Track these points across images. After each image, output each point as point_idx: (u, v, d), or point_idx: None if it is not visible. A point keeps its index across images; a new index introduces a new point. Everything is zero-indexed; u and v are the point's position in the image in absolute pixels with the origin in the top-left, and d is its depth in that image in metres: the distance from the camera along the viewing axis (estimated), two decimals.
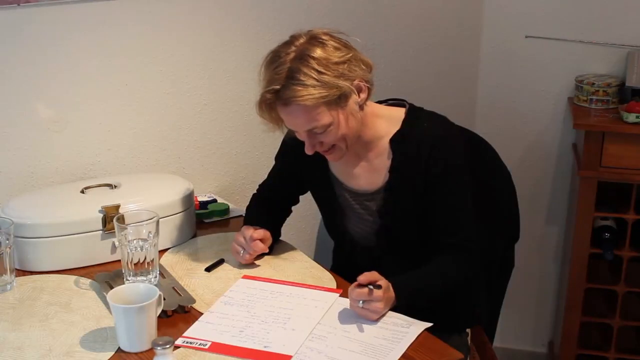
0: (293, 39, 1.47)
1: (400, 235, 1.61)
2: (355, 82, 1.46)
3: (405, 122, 1.58)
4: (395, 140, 1.57)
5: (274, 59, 1.45)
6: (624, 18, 2.26)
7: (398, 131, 1.57)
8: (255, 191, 1.80)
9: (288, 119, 1.48)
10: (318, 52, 1.43)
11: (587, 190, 2.16)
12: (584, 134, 2.15)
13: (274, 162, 1.75)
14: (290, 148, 1.66)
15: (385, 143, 1.58)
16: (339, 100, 1.45)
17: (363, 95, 1.49)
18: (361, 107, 1.51)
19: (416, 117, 1.58)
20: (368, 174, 1.61)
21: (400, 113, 1.59)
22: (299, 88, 1.40)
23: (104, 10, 1.78)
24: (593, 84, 2.22)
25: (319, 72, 1.41)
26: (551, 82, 2.38)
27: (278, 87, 1.42)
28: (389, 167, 1.57)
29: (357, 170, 1.61)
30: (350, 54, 1.46)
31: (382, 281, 1.40)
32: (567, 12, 2.32)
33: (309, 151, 1.51)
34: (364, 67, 1.48)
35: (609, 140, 2.11)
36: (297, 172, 1.66)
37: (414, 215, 1.58)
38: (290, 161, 1.68)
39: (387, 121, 1.58)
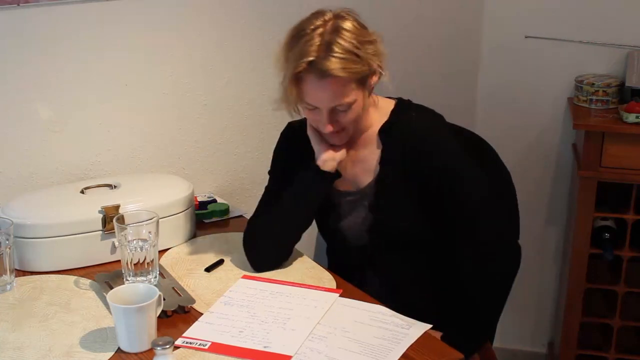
0: (318, 14, 1.46)
1: (394, 231, 1.60)
2: (377, 62, 1.47)
3: (393, 112, 1.58)
4: (384, 131, 1.57)
5: (301, 33, 1.44)
6: (624, 18, 2.26)
7: (387, 121, 1.57)
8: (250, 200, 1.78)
9: (317, 93, 1.45)
10: (350, 26, 1.43)
11: (587, 191, 2.16)
12: (583, 134, 2.15)
13: (270, 163, 1.73)
14: (285, 146, 1.65)
15: (373, 133, 1.58)
16: (366, 78, 1.45)
17: (376, 79, 1.50)
18: (370, 92, 1.51)
19: (404, 108, 1.59)
20: (356, 165, 1.60)
21: (389, 104, 1.60)
22: (336, 59, 1.39)
23: (104, 10, 1.78)
24: (593, 84, 2.22)
25: (356, 46, 1.41)
26: (551, 82, 2.38)
27: (313, 58, 1.40)
28: (379, 159, 1.57)
29: (345, 160, 1.60)
30: (376, 36, 1.47)
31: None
32: (567, 12, 2.32)
33: (328, 129, 1.49)
34: (382, 51, 1.48)
35: (609, 141, 2.11)
36: (290, 168, 1.64)
37: (407, 210, 1.57)
38: (286, 159, 1.67)
39: (377, 111, 1.59)
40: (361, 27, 1.46)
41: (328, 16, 1.45)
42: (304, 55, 1.41)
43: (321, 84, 1.43)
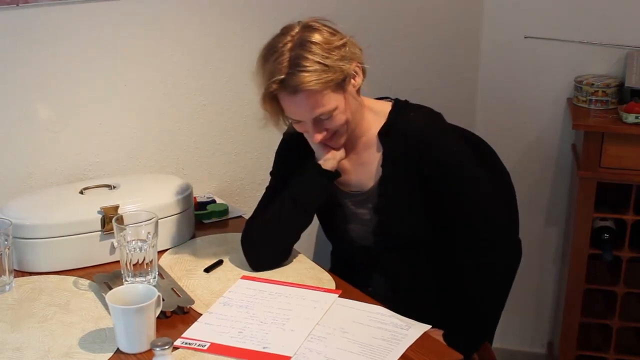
0: (286, 29, 1.47)
1: (398, 232, 1.60)
2: (354, 64, 1.47)
3: (391, 114, 1.58)
4: (383, 133, 1.57)
5: (271, 51, 1.45)
6: (624, 18, 2.26)
7: (385, 123, 1.58)
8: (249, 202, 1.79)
9: (294, 108, 1.47)
10: (317, 37, 1.43)
11: (586, 191, 2.16)
12: (583, 135, 2.15)
13: (273, 164, 1.73)
14: (287, 149, 1.66)
15: (373, 136, 1.58)
16: (342, 83, 1.46)
17: (359, 79, 1.50)
18: (358, 92, 1.52)
19: (402, 109, 1.59)
20: (358, 169, 1.61)
21: (386, 107, 1.61)
22: (306, 74, 1.41)
23: (103, 10, 1.78)
24: (592, 84, 2.22)
25: (323, 56, 1.42)
26: (550, 82, 2.38)
27: (283, 76, 1.42)
28: (381, 161, 1.57)
29: (346, 165, 1.61)
30: (346, 38, 1.47)
31: None
32: (566, 12, 2.32)
33: (317, 139, 1.50)
34: (358, 50, 1.49)
35: (609, 141, 2.11)
36: (292, 169, 1.64)
37: (411, 210, 1.58)
38: (287, 161, 1.67)
39: (375, 114, 1.59)
40: (329, 34, 1.46)
41: (295, 30, 1.46)
42: (274, 74, 1.43)
43: (295, 99, 1.44)
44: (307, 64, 1.41)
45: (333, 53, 1.43)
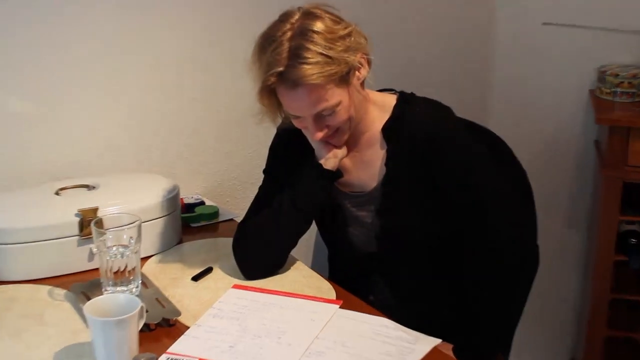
0: (285, 16, 1.47)
1: (402, 237, 1.60)
2: (359, 55, 1.47)
3: (396, 108, 1.58)
4: (387, 128, 1.57)
5: (269, 40, 1.44)
6: None
7: (390, 118, 1.57)
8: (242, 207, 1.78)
9: (294, 103, 1.47)
10: (319, 26, 1.43)
11: (611, 192, 2.16)
12: (607, 130, 2.15)
13: (266, 161, 1.73)
14: (282, 145, 1.66)
15: (376, 132, 1.58)
16: (346, 76, 1.45)
17: (364, 71, 1.50)
18: (362, 85, 1.52)
19: (407, 102, 1.59)
20: (360, 168, 1.61)
21: (391, 99, 1.60)
22: (307, 66, 1.40)
23: None
24: (617, 75, 2.22)
25: (326, 47, 1.41)
26: (571, 73, 2.38)
27: (282, 68, 1.41)
28: (384, 159, 1.57)
29: (347, 163, 1.61)
30: (351, 27, 1.47)
31: None
32: None
33: (317, 137, 1.50)
34: (364, 39, 1.49)
35: (635, 137, 2.11)
36: (288, 167, 1.64)
37: (418, 212, 1.58)
38: (282, 158, 1.67)
39: (379, 108, 1.59)
40: (333, 22, 1.46)
41: (295, 17, 1.45)
42: (272, 66, 1.42)
43: (295, 93, 1.44)
44: (309, 56, 1.41)
45: (337, 43, 1.43)
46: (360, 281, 1.67)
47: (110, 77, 1.86)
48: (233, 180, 2.10)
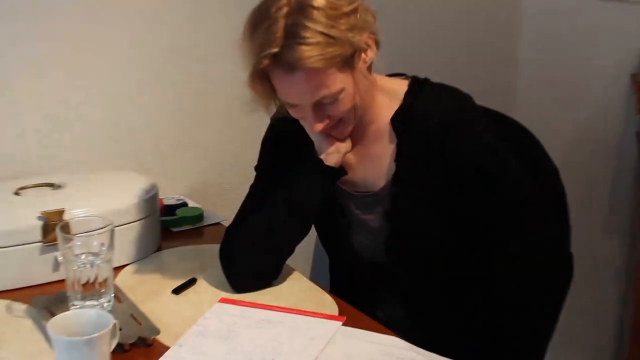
0: None
1: (417, 245, 1.61)
2: (365, 35, 1.47)
3: (407, 95, 1.58)
4: (397, 119, 1.57)
5: (262, 17, 1.44)
6: None
7: (400, 107, 1.58)
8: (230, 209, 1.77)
9: (290, 90, 1.47)
10: (320, 1, 1.43)
11: None
12: None
13: (258, 156, 1.73)
14: (276, 138, 1.66)
15: (384, 123, 1.59)
16: (351, 59, 1.45)
17: (371, 53, 1.50)
18: (369, 69, 1.51)
19: (421, 89, 1.59)
20: (366, 164, 1.62)
21: (402, 86, 1.61)
22: (306, 47, 1.40)
23: None
24: None
25: (328, 25, 1.41)
26: (610, 55, 2.39)
27: (277, 49, 1.41)
28: (394, 155, 1.57)
29: (351, 159, 1.62)
30: (357, 2, 1.47)
31: None
32: None
33: (317, 128, 1.51)
34: (371, 16, 1.49)
35: None
36: (284, 163, 1.64)
37: (433, 216, 1.58)
38: (277, 153, 1.68)
39: (388, 95, 1.60)
40: None
41: None
42: (265, 47, 1.42)
43: (292, 78, 1.44)
44: (308, 35, 1.41)
45: (340, 21, 1.43)
46: (367, 294, 1.68)
47: (75, 57, 1.87)
48: (219, 178, 2.10)
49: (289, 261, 1.66)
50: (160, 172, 2.00)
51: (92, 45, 1.88)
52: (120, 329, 1.39)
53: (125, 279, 1.65)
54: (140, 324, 1.47)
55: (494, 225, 1.57)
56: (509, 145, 1.60)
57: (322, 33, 1.41)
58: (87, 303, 1.47)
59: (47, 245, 1.61)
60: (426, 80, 1.63)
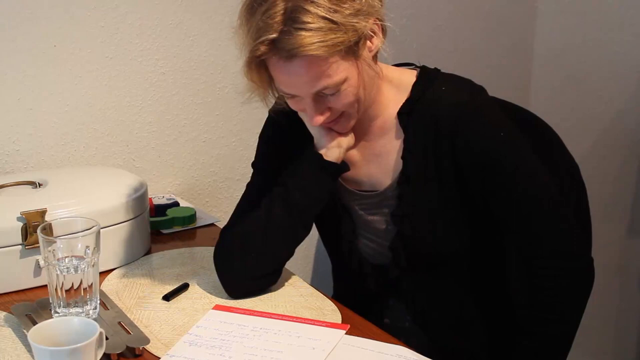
0: None
1: (425, 248, 1.61)
2: (371, 21, 1.46)
3: (415, 87, 1.58)
4: (405, 113, 1.57)
5: (259, 0, 1.44)
6: None
7: (407, 100, 1.58)
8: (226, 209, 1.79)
9: (289, 79, 1.46)
10: None
11: None
12: None
13: (255, 152, 1.73)
14: (275, 132, 1.66)
15: (391, 117, 1.59)
16: (355, 47, 1.45)
17: (377, 41, 1.49)
18: (374, 58, 1.51)
19: (430, 80, 1.59)
20: (371, 161, 1.62)
21: (410, 77, 1.61)
22: (306, 33, 1.40)
23: None
24: None
25: (330, 10, 1.41)
26: (634, 44, 2.38)
27: (275, 35, 1.41)
28: (401, 151, 1.57)
29: (355, 155, 1.62)
30: None
31: None
32: None
33: (317, 121, 1.50)
34: (377, 1, 1.48)
35: None
36: (283, 159, 1.64)
37: (442, 217, 1.58)
38: (275, 149, 1.67)
39: (395, 87, 1.60)
40: None
41: None
42: (262, 32, 1.42)
43: (291, 67, 1.44)
44: (308, 20, 1.40)
45: (344, 5, 1.43)
46: (372, 301, 1.68)
47: (59, 48, 1.87)
48: (213, 175, 2.10)
49: (289, 265, 1.65)
50: (150, 169, 2.01)
51: (78, 39, 1.88)
52: (107, 338, 1.39)
53: (112, 285, 1.65)
54: (129, 333, 1.47)
55: (509, 226, 1.57)
56: (525, 140, 1.60)
57: (324, 18, 1.41)
58: (71, 310, 1.47)
59: (27, 248, 1.61)
60: (436, 70, 1.62)
